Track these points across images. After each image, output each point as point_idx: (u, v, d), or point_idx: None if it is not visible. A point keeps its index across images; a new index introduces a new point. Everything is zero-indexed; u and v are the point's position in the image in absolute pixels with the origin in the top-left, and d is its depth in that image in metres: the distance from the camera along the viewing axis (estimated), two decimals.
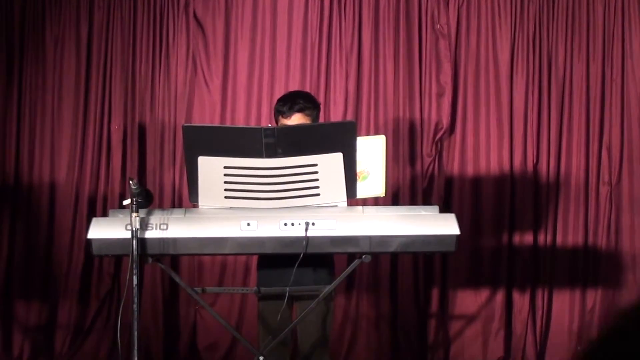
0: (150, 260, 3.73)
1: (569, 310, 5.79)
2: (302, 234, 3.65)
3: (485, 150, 5.83)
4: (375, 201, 4.88)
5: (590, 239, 5.79)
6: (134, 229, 3.59)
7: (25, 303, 5.84)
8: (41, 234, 5.84)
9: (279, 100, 4.25)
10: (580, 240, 5.79)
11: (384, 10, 5.85)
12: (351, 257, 4.56)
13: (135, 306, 3.63)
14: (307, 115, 4.14)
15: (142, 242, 3.64)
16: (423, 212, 3.75)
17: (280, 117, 4.18)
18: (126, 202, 3.63)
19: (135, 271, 3.60)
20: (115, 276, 5.81)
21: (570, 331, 5.77)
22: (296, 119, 4.13)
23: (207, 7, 5.89)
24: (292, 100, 4.17)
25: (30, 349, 5.80)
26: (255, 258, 5.23)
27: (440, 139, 5.84)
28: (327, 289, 3.88)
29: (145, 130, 5.88)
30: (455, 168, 5.85)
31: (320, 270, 4.09)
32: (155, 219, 3.69)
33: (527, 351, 5.74)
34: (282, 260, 3.85)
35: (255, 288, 4.07)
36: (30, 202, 5.86)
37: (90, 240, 3.68)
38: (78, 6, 5.90)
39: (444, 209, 4.18)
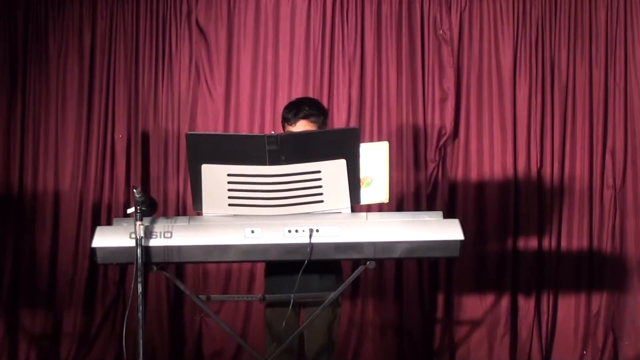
0: (154, 268, 3.73)
1: (574, 314, 5.79)
2: (306, 240, 3.64)
3: (488, 155, 5.83)
4: (380, 207, 4.88)
5: (595, 243, 5.78)
6: (138, 237, 3.59)
7: (30, 312, 5.85)
8: (46, 243, 5.85)
9: (286, 107, 4.26)
10: (585, 244, 5.78)
11: (387, 16, 5.86)
12: (356, 263, 4.56)
13: (140, 314, 3.63)
14: (312, 122, 4.15)
15: (147, 250, 3.64)
16: (427, 218, 3.74)
17: (286, 124, 4.19)
18: (130, 210, 3.63)
19: (140, 279, 3.60)
20: (120, 284, 5.82)
21: (575, 335, 5.77)
22: (301, 126, 4.13)
23: (210, 15, 5.90)
24: (297, 108, 4.18)
25: (36, 358, 5.80)
26: (260, 265, 5.26)
27: (444, 144, 5.84)
28: (332, 295, 3.88)
29: (148, 138, 5.89)
30: (459, 173, 5.85)
31: (327, 277, 4.08)
32: (160, 227, 3.69)
33: (533, 356, 5.74)
34: (289, 267, 3.84)
35: (260, 295, 4.07)
36: (35, 211, 5.87)
37: (94, 248, 3.68)
38: (81, 15, 5.92)
39: (448, 215, 4.18)
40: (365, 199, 3.85)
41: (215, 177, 3.68)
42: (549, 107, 5.83)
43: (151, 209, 3.71)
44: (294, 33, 5.89)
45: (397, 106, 5.83)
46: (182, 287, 3.98)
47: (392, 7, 5.86)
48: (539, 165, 5.81)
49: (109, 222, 5.60)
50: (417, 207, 5.75)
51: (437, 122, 5.84)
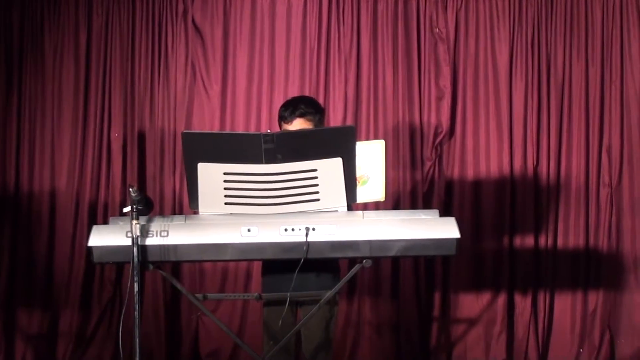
0: (151, 267, 3.72)
1: (570, 312, 5.79)
2: (302, 239, 3.64)
3: (485, 153, 5.84)
4: (376, 206, 4.88)
5: (591, 241, 5.79)
6: (134, 236, 3.59)
7: (27, 311, 5.84)
8: (42, 242, 5.84)
9: (282, 105, 4.26)
10: (581, 242, 5.79)
11: (383, 14, 5.86)
12: (352, 262, 4.56)
13: (136, 313, 3.63)
14: (308, 120, 4.14)
15: (143, 249, 3.64)
16: (423, 216, 3.74)
17: (282, 122, 4.18)
18: (126, 209, 3.63)
19: (136, 278, 3.60)
20: (117, 284, 5.81)
21: (572, 333, 5.78)
22: (297, 124, 4.13)
23: (206, 14, 5.90)
24: (293, 106, 4.18)
25: (32, 358, 5.80)
26: (256, 264, 5.26)
27: (440, 142, 5.84)
28: (328, 294, 3.87)
29: (145, 137, 5.88)
30: (455, 171, 5.85)
31: (324, 276, 4.08)
32: (156, 226, 3.68)
33: (530, 354, 5.74)
34: (286, 266, 3.84)
35: (256, 294, 4.07)
36: (31, 210, 5.87)
37: (91, 247, 3.67)
38: (77, 14, 5.91)
39: (444, 213, 4.18)
40: (362, 197, 3.85)
41: (211, 175, 3.68)
42: (545, 105, 5.83)
43: (147, 208, 3.71)
44: (290, 31, 5.89)
45: (393, 104, 5.83)
46: (178, 286, 3.98)
47: (388, 5, 5.86)
48: (535, 163, 5.81)
49: (105, 221, 5.59)
50: (413, 206, 5.75)
51: (433, 120, 5.84)
